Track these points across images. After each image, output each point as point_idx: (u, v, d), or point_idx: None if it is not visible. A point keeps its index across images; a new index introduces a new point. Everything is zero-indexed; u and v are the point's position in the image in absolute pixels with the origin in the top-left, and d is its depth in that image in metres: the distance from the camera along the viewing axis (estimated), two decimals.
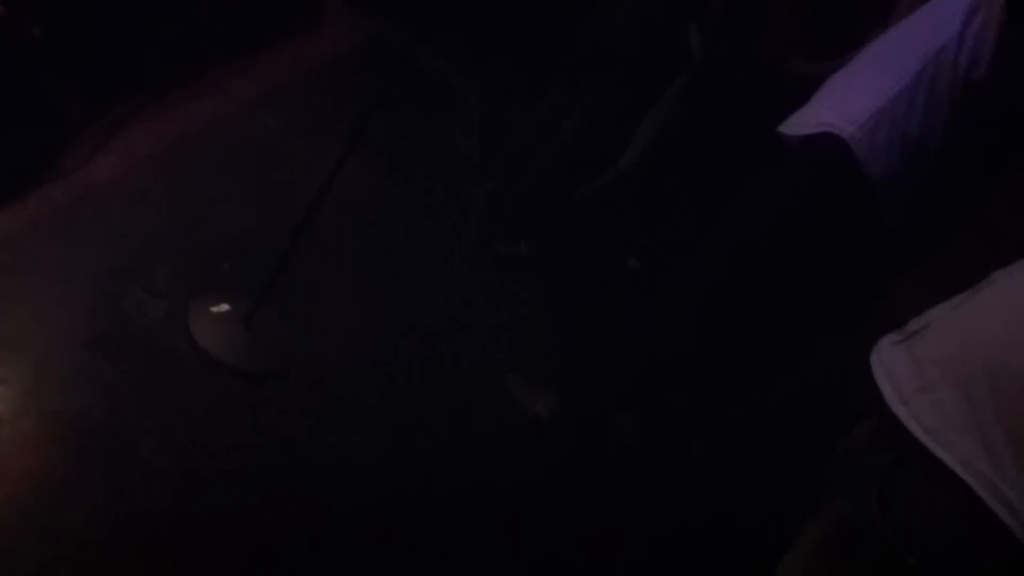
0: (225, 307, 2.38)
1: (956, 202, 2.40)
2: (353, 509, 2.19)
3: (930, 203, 2.32)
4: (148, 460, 1.97)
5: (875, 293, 2.45)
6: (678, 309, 2.60)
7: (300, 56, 3.91)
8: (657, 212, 3.38)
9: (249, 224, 2.77)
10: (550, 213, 3.40)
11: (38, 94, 2.31)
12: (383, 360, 2.66)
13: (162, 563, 1.83)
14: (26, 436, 1.87)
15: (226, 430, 2.16)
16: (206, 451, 2.08)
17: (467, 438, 2.60)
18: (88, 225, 2.38)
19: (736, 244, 2.44)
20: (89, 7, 2.37)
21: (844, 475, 1.31)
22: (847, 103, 2.23)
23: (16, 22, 2.08)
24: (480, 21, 4.58)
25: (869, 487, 1.21)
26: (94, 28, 2.45)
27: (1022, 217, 2.38)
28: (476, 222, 3.41)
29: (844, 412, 1.44)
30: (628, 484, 2.74)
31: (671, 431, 2.84)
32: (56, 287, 2.19)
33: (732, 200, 2.56)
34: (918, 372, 1.20)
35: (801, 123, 2.34)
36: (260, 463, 2.15)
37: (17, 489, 1.77)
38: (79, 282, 2.23)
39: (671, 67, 3.19)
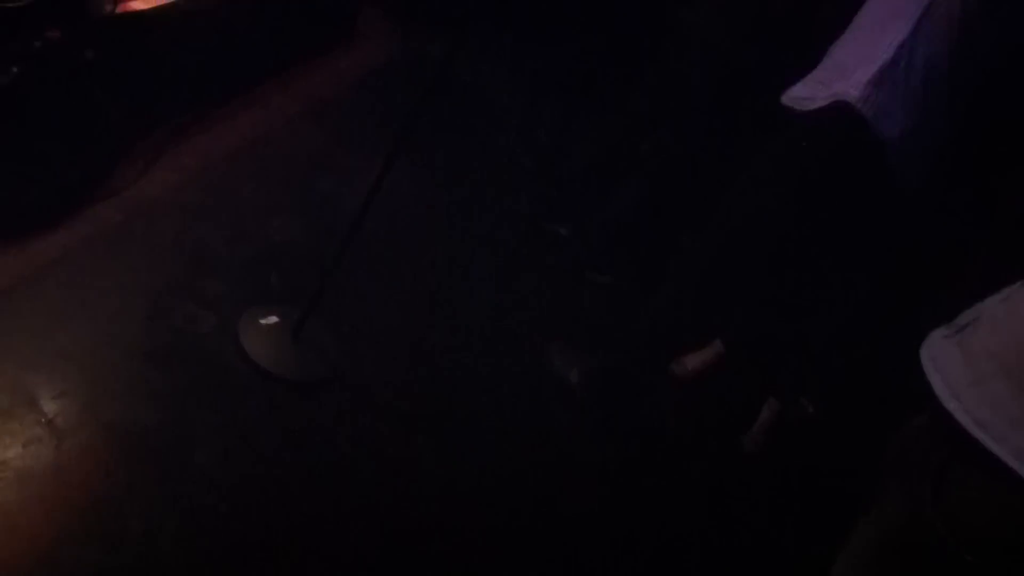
0: (274, 319, 2.42)
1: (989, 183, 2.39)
2: (397, 510, 2.21)
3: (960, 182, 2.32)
4: (203, 467, 2.01)
5: (920, 282, 2.44)
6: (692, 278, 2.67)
7: (340, 69, 3.97)
8: None
9: (296, 235, 2.82)
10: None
11: (91, 114, 2.38)
12: (428, 364, 2.68)
13: (221, 567, 1.87)
14: (86, 447, 1.92)
15: (277, 438, 2.20)
16: (259, 458, 2.12)
17: (509, 433, 2.61)
18: (141, 241, 2.45)
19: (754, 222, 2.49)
20: (139, 31, 2.44)
21: (898, 471, 1.29)
22: (849, 68, 2.25)
23: (70, 45, 2.15)
24: (517, 28, 4.63)
25: (923, 483, 1.20)
26: (143, 50, 2.52)
27: None
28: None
29: (896, 404, 1.43)
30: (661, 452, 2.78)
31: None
32: (111, 301, 2.25)
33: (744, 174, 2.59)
34: (970, 366, 1.18)
35: (809, 96, 2.35)
36: (311, 468, 2.18)
37: (79, 498, 1.83)
38: (133, 296, 2.30)
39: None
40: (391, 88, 3.96)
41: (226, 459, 2.06)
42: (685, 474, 2.77)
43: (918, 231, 2.49)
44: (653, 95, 3.22)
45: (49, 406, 1.95)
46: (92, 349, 2.12)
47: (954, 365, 1.20)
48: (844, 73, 2.26)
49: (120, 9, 2.31)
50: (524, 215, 3.51)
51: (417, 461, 2.35)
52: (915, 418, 1.30)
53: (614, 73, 3.72)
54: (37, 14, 2.04)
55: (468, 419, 2.56)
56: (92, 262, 2.31)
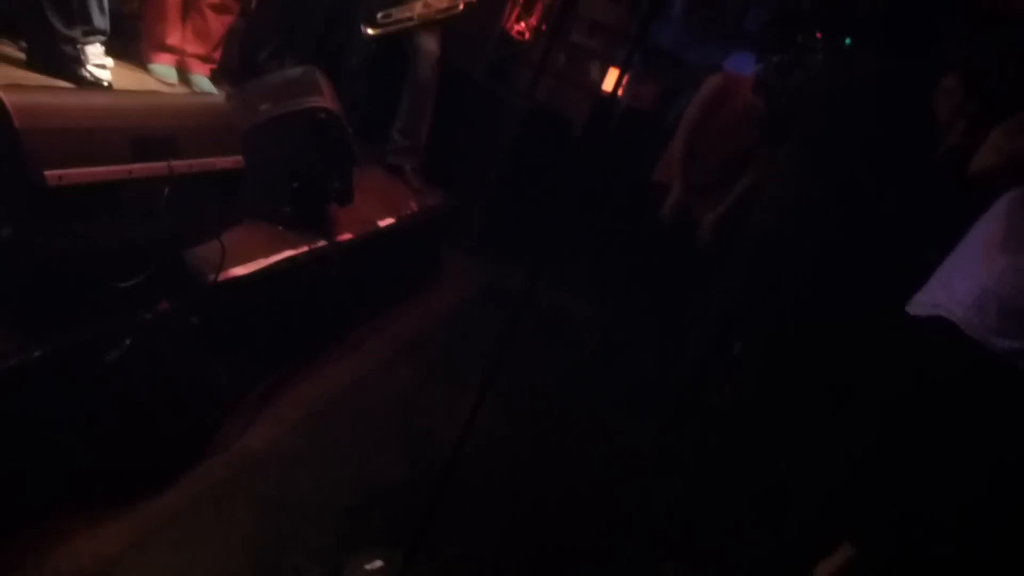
0: (378, 563, 2.37)
1: None
2: None
3: None
4: None
5: None
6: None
7: (428, 308, 4.14)
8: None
9: (397, 474, 2.82)
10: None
11: (197, 376, 2.49)
12: None
13: None
14: None
15: None
16: None
17: None
18: (246, 495, 2.48)
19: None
20: (239, 295, 2.61)
21: None
22: (956, 285, 2.29)
23: (177, 315, 2.30)
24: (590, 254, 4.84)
25: None
26: (244, 311, 2.68)
27: None
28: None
29: None
30: None
31: None
32: (219, 559, 2.24)
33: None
34: None
35: (920, 303, 2.42)
36: None
37: None
38: (240, 553, 2.28)
39: None
40: (472, 321, 4.10)
41: None
42: None
43: None
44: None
45: None
46: None
47: None
48: (950, 291, 2.30)
49: (221, 277, 2.49)
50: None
51: None
52: None
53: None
54: (147, 289, 2.21)
55: None
56: (199, 520, 2.33)
